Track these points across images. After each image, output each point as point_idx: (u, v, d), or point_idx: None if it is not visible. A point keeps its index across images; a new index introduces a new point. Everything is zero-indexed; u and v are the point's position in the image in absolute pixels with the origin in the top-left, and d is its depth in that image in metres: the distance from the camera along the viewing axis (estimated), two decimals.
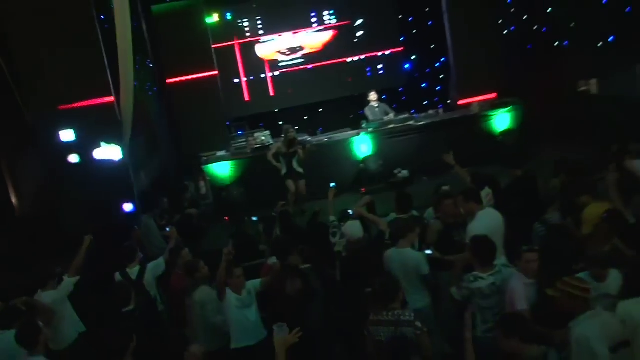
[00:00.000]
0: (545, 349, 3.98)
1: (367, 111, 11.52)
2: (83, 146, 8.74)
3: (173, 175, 12.38)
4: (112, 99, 8.80)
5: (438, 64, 13.79)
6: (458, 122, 11.24)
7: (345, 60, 14.10)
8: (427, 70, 14.11)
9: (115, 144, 8.73)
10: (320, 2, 13.93)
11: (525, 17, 11.81)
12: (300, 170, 10.07)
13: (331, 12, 13.96)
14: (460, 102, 12.20)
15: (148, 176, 10.74)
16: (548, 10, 11.02)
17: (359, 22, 14.01)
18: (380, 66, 14.19)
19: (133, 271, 6.26)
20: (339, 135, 11.41)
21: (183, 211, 9.78)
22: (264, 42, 13.96)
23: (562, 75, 10.68)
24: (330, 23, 14.01)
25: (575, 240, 5.11)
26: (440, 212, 6.25)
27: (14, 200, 8.46)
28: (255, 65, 13.99)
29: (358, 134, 11.09)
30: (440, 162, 7.35)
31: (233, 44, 13.85)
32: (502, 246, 5.28)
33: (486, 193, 6.31)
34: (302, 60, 14.08)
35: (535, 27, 11.50)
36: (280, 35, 13.94)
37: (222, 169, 11.10)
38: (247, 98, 14.10)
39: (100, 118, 8.74)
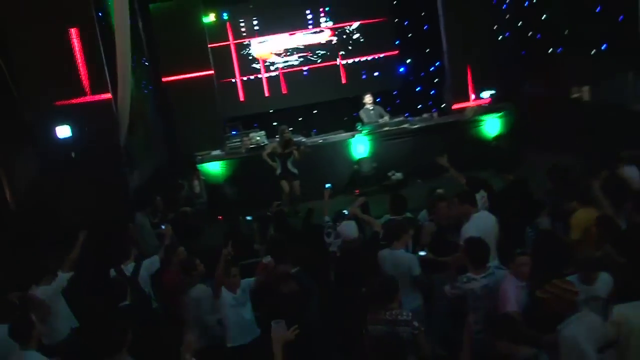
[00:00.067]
0: (536, 350, 4.05)
1: (362, 113, 11.54)
2: (79, 143, 8.76)
3: (167, 173, 12.36)
4: (109, 95, 8.83)
5: (433, 68, 13.86)
6: (452, 126, 11.31)
7: (341, 63, 14.14)
8: (422, 74, 14.18)
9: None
10: (316, 4, 13.96)
11: (520, 23, 11.89)
12: (294, 170, 10.12)
13: (327, 13, 13.99)
14: (455, 106, 12.31)
15: (143, 174, 10.74)
16: (542, 17, 11.11)
17: (355, 24, 14.05)
18: (375, 69, 14.22)
19: (127, 268, 6.26)
20: (333, 137, 11.42)
21: (177, 209, 9.78)
22: (260, 42, 13.98)
23: (555, 81, 10.76)
24: (326, 25, 14.06)
25: (564, 245, 5.15)
26: (435, 215, 6.32)
27: (8, 195, 8.45)
28: (250, 65, 14.01)
29: (353, 136, 11.11)
30: (434, 165, 7.43)
31: (229, 44, 13.85)
32: (495, 248, 5.35)
33: (481, 196, 6.40)
34: (298, 61, 14.11)
35: (530, 33, 11.58)
36: (276, 36, 13.97)
37: (217, 168, 11.09)
38: (242, 98, 14.10)
39: (97, 115, 8.76)
